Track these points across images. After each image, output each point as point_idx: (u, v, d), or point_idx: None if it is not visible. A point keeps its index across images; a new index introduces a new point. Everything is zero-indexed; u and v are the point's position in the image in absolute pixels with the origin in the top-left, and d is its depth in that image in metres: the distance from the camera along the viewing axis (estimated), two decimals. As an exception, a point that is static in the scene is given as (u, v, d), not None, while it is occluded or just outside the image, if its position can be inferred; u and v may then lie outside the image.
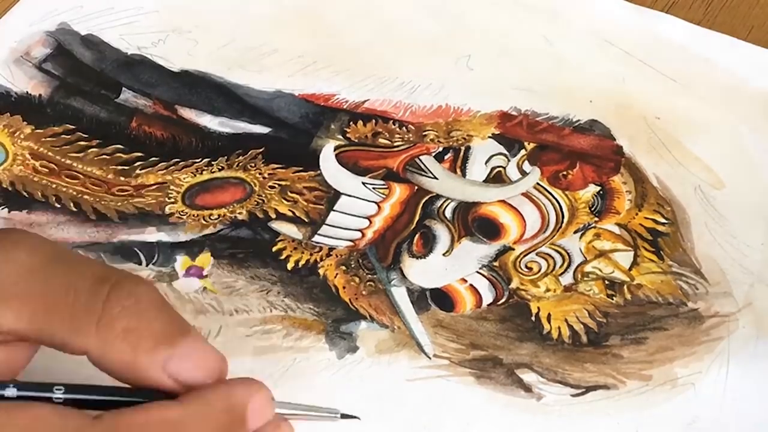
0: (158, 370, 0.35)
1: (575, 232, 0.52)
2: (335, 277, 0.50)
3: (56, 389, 0.36)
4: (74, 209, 0.53)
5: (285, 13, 0.62)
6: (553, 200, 0.53)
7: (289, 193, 0.53)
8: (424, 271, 0.51)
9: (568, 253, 0.52)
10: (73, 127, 0.56)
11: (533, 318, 0.49)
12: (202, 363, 0.36)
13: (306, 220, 0.52)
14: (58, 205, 0.53)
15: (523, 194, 0.54)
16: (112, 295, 0.35)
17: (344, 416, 0.43)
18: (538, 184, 0.54)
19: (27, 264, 0.36)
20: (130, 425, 0.34)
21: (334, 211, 0.53)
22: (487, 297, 0.50)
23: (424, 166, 0.54)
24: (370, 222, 0.52)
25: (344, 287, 0.50)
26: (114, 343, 0.35)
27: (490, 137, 0.56)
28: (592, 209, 0.53)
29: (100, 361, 0.35)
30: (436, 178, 0.54)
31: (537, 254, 0.51)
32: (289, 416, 0.40)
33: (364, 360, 0.48)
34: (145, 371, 0.35)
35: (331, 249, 0.51)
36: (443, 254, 0.51)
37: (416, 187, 0.54)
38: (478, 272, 0.51)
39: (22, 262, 0.36)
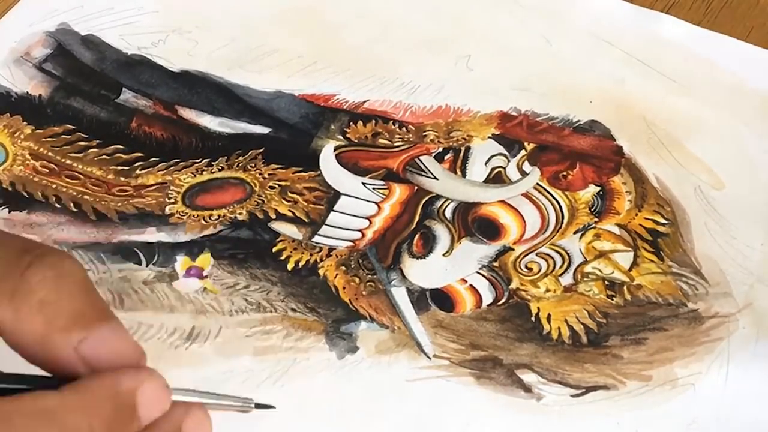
0: (70, 351, 0.32)
1: (575, 233, 0.52)
2: (335, 277, 0.50)
3: None
4: (74, 209, 0.53)
5: (285, 13, 0.62)
6: (553, 200, 0.53)
7: (289, 194, 0.53)
8: (424, 272, 0.51)
9: (568, 254, 0.52)
10: (73, 127, 0.56)
11: (533, 318, 0.49)
12: (117, 351, 0.33)
13: (306, 220, 0.52)
14: (58, 206, 0.53)
15: (523, 194, 0.53)
16: (33, 266, 0.32)
17: (259, 406, 0.37)
18: (538, 184, 0.54)
19: None
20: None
21: (334, 211, 0.53)
22: (487, 297, 0.50)
23: (424, 166, 0.54)
24: (370, 222, 0.52)
25: (344, 287, 0.50)
26: (28, 316, 0.32)
27: (490, 137, 0.56)
28: (592, 210, 0.53)
29: (11, 335, 0.32)
30: (436, 178, 0.54)
31: (537, 254, 0.51)
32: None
33: (364, 360, 0.48)
34: (56, 349, 0.32)
35: (331, 249, 0.51)
36: (443, 254, 0.51)
37: (416, 188, 0.54)
38: (478, 272, 0.51)
39: None
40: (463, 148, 0.55)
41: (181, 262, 0.51)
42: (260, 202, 0.53)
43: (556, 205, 0.53)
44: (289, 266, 0.51)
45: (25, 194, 0.53)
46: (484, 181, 0.54)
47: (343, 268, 0.51)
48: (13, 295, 0.32)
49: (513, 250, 0.52)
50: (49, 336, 0.32)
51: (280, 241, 0.52)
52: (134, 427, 0.32)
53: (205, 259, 0.51)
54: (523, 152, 0.55)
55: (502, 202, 0.53)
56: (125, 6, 0.61)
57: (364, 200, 0.53)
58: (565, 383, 0.47)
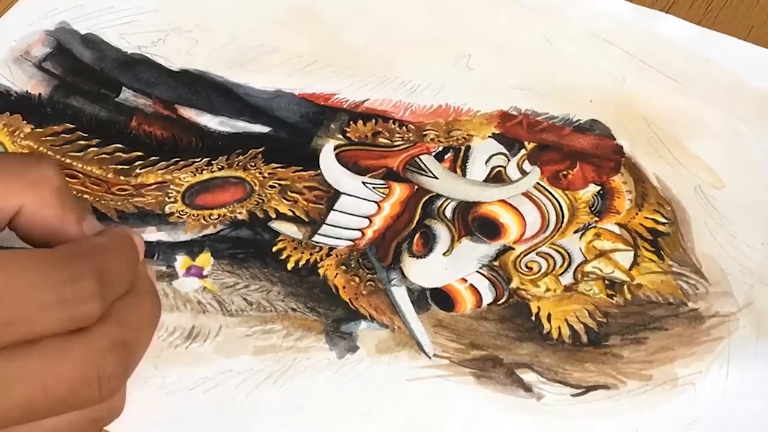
0: (77, 226, 0.41)
1: (575, 232, 0.52)
2: (335, 276, 0.50)
3: None
4: (74, 209, 0.53)
5: (285, 13, 0.62)
6: (554, 200, 0.53)
7: (289, 193, 0.53)
8: (424, 271, 0.51)
9: (568, 253, 0.52)
10: (73, 126, 0.56)
11: (533, 318, 0.49)
12: (98, 224, 0.42)
13: (306, 219, 0.52)
14: (58, 205, 0.53)
15: (523, 194, 0.53)
16: (43, 163, 0.41)
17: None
18: (538, 183, 0.54)
19: None
20: (83, 247, 0.39)
21: (334, 210, 0.53)
22: (487, 297, 0.50)
23: (424, 165, 0.54)
24: (370, 221, 0.52)
25: (344, 287, 0.50)
26: (48, 199, 0.40)
27: (490, 137, 0.56)
28: (593, 209, 0.53)
29: (31, 217, 0.40)
30: (436, 177, 0.54)
31: (537, 254, 0.51)
32: None
33: (364, 360, 0.48)
34: (68, 225, 0.41)
35: (331, 249, 0.51)
36: (443, 254, 0.51)
37: (416, 187, 0.54)
38: (478, 272, 0.51)
39: None
40: (463, 148, 0.55)
41: (181, 261, 0.51)
42: (260, 201, 0.53)
43: (557, 204, 0.53)
44: (289, 266, 0.51)
45: (24, 193, 0.53)
46: (484, 181, 0.54)
47: (343, 267, 0.51)
48: (35, 185, 0.40)
49: (513, 249, 0.52)
50: (65, 214, 0.41)
51: (280, 240, 0.52)
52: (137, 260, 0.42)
53: (205, 259, 0.51)
54: (523, 151, 0.55)
55: (503, 201, 0.53)
56: (125, 5, 0.61)
57: (364, 199, 0.53)
58: (565, 383, 0.47)
